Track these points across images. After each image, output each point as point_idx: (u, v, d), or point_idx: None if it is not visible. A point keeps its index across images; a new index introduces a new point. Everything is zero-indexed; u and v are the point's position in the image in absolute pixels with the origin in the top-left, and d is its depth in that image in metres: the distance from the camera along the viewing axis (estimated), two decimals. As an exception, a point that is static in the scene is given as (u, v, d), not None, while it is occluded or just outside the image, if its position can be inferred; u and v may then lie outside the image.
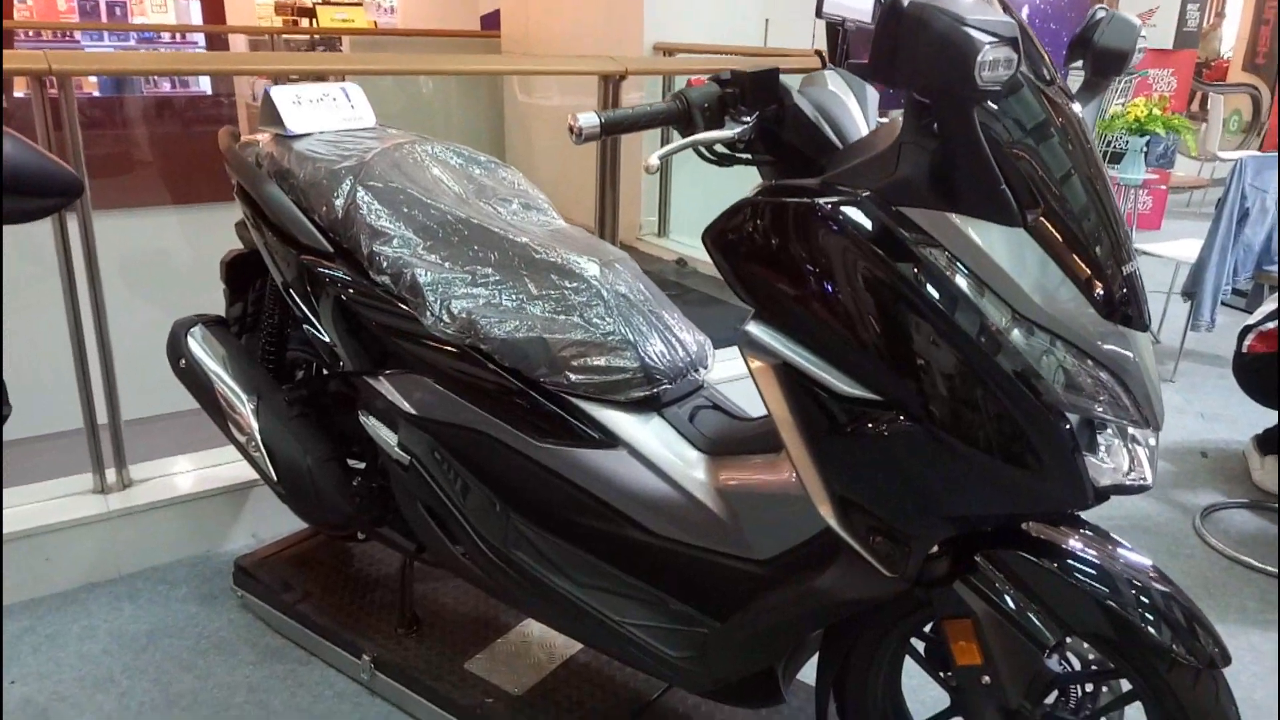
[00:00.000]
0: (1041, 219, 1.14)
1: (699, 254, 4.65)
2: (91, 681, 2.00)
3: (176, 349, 2.07)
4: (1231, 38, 10.28)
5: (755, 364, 1.25)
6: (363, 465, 1.98)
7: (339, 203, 1.74)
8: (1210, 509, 2.93)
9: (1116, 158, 5.29)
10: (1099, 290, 1.16)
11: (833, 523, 1.26)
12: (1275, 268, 4.07)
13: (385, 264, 1.68)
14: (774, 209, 1.19)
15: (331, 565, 2.28)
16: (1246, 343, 2.93)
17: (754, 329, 1.23)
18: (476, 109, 5.61)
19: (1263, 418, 3.63)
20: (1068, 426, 1.16)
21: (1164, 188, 5.88)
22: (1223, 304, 4.08)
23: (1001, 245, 1.13)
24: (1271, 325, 2.88)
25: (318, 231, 1.79)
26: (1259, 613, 2.40)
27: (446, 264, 1.68)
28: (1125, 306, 1.17)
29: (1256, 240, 4.03)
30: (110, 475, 2.41)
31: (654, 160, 1.20)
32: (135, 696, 1.96)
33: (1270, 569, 2.58)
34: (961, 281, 1.13)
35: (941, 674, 1.47)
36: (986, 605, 1.28)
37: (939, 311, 1.12)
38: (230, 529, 2.52)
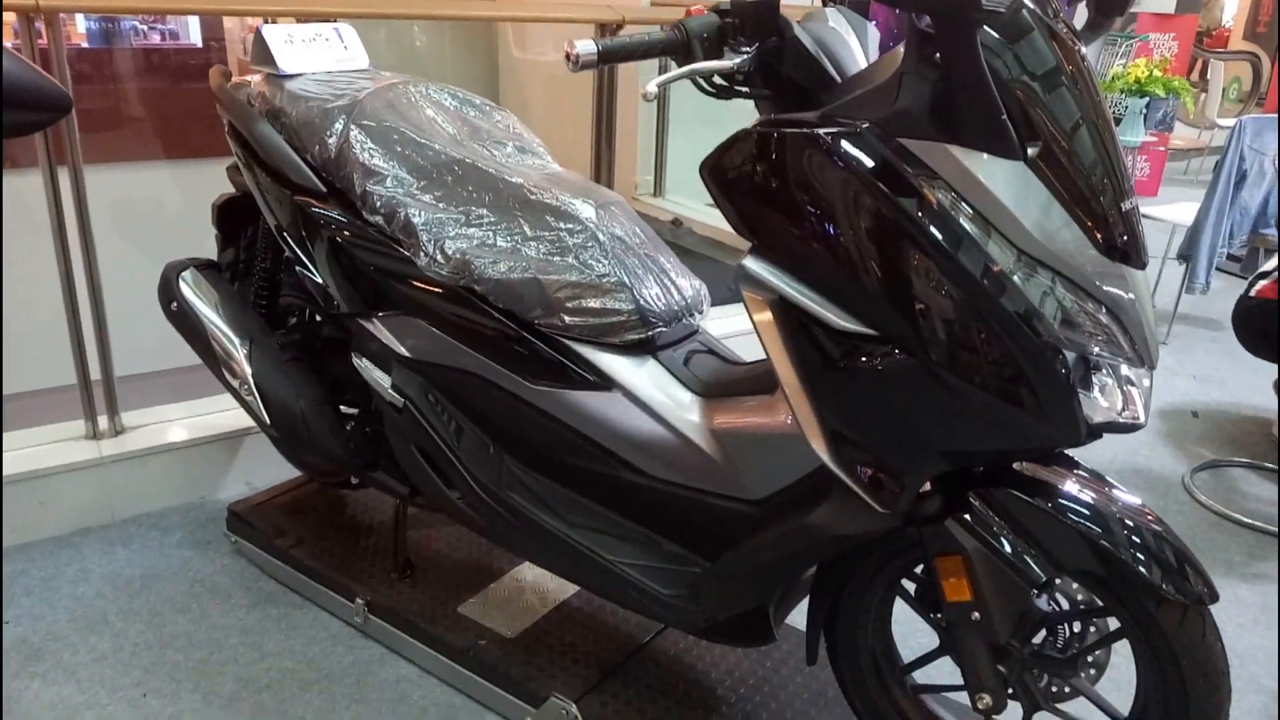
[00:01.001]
0: (1042, 153, 1.13)
1: (695, 214, 4.63)
2: (85, 623, 2.01)
3: (168, 291, 2.05)
4: (1233, 6, 10.20)
5: (752, 299, 1.24)
6: (355, 411, 1.97)
7: (332, 141, 1.72)
8: (1200, 467, 2.95)
9: (1115, 121, 5.26)
10: (1098, 227, 1.15)
11: (826, 458, 1.26)
12: (1273, 230, 4.07)
13: (378, 204, 1.67)
14: (772, 140, 1.18)
15: (325, 512, 2.28)
16: (1257, 288, 2.89)
17: (751, 263, 1.22)
18: (470, 65, 5.55)
19: (1252, 380, 3.65)
20: (1064, 363, 1.16)
21: (1163, 149, 5.85)
22: (1217, 269, 4.08)
23: (1003, 180, 1.12)
24: None
25: (310, 171, 1.77)
26: (1244, 565, 2.42)
27: (440, 204, 1.67)
28: (1124, 244, 1.17)
29: (1254, 203, 4.02)
30: (102, 422, 2.40)
31: (652, 87, 1.18)
32: (129, 637, 1.97)
33: (1260, 525, 2.60)
34: (966, 221, 1.12)
35: (931, 615, 1.48)
36: (978, 542, 1.29)
37: (941, 248, 1.12)
38: (224, 477, 2.52)
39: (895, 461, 1.23)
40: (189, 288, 2.04)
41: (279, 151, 1.79)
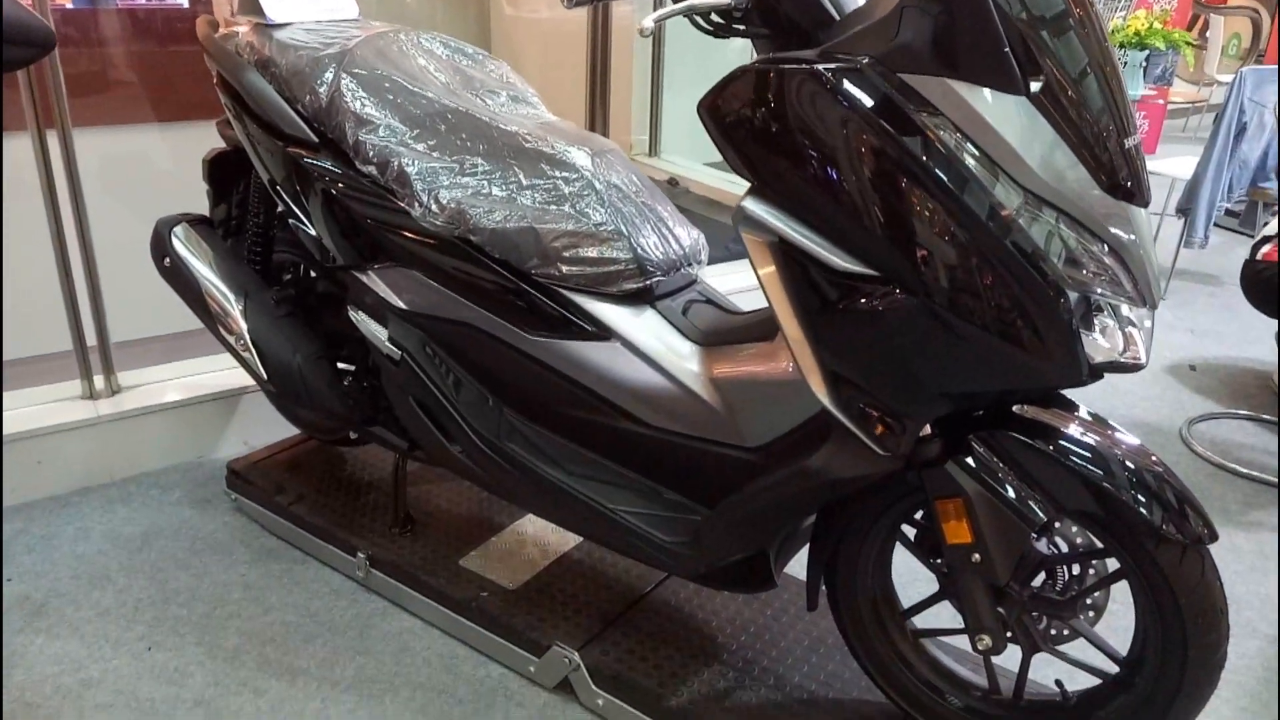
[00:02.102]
0: (1046, 91, 1.12)
1: (692, 174, 4.60)
2: (88, 579, 2.02)
3: (161, 247, 2.03)
4: (1234, -41, 10.06)
5: (751, 241, 1.23)
6: (353, 366, 1.96)
7: (323, 90, 1.69)
8: (1198, 419, 2.95)
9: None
10: (1103, 166, 1.14)
11: (826, 401, 1.26)
12: (1273, 184, 4.04)
13: (371, 153, 1.65)
14: (771, 77, 1.16)
15: (324, 469, 2.28)
16: (1262, 252, 2.90)
17: (750, 204, 1.21)
18: (462, 24, 5.47)
19: (1249, 334, 3.65)
20: (1067, 304, 1.15)
21: (1162, 103, 5.81)
22: (1215, 224, 4.06)
23: (1007, 117, 1.11)
24: None
25: (302, 121, 1.74)
26: (1241, 514, 2.44)
27: (434, 153, 1.65)
28: (1128, 182, 1.16)
29: (1253, 156, 4.00)
30: (99, 381, 2.39)
31: (648, 22, 1.16)
32: (132, 593, 1.98)
33: (1257, 475, 2.61)
34: (970, 160, 1.11)
35: (931, 560, 1.49)
36: (978, 485, 1.29)
37: (945, 187, 1.10)
38: (222, 436, 2.52)
39: (896, 404, 1.23)
40: (181, 243, 2.02)
41: (269, 101, 1.76)
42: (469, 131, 1.66)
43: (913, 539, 1.52)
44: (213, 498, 2.32)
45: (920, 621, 1.58)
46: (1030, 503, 1.28)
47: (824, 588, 1.56)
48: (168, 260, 2.03)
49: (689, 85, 4.78)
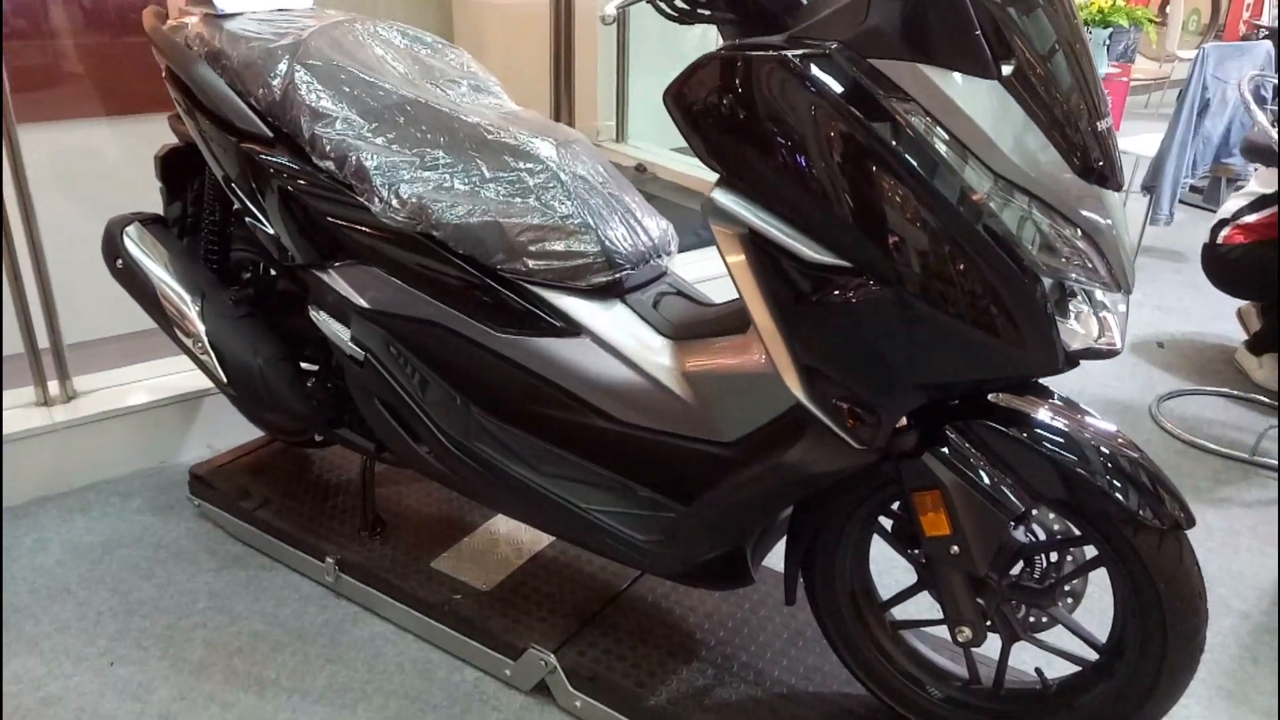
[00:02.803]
0: (1017, 74, 1.09)
1: (660, 159, 4.56)
2: (46, 592, 1.96)
3: (112, 249, 1.97)
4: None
5: (721, 233, 1.20)
6: (316, 367, 1.92)
7: (276, 83, 1.64)
8: (1166, 396, 2.97)
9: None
10: (1075, 149, 1.12)
11: (801, 396, 1.23)
12: (1236, 159, 4.08)
13: (328, 148, 1.60)
14: (739, 63, 1.13)
15: (290, 472, 2.23)
16: (1222, 235, 2.93)
17: (720, 196, 1.18)
18: (420, 11, 5.38)
19: (1215, 310, 3.68)
20: (1041, 291, 1.13)
21: (1125, 80, 5.84)
22: (1179, 200, 4.09)
23: (978, 102, 1.08)
24: (1253, 217, 2.88)
25: (255, 115, 1.69)
26: (1210, 491, 2.45)
27: (393, 146, 1.60)
28: (1100, 165, 1.14)
29: (1216, 132, 4.03)
30: (53, 387, 2.32)
31: (610, 9, 1.12)
32: (93, 606, 1.92)
33: (1225, 451, 2.63)
34: (941, 145, 1.08)
35: (909, 551, 1.47)
36: (955, 475, 1.27)
37: (915, 174, 1.08)
38: (183, 440, 2.46)
39: (871, 396, 1.21)
40: (134, 244, 1.96)
41: (221, 96, 1.70)
42: (429, 123, 1.61)
43: (890, 530, 1.50)
44: (175, 504, 2.26)
45: (899, 612, 1.57)
46: (1007, 492, 1.26)
47: (802, 581, 1.55)
48: (120, 261, 1.96)
49: (655, 69, 4.73)
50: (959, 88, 1.08)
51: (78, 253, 2.40)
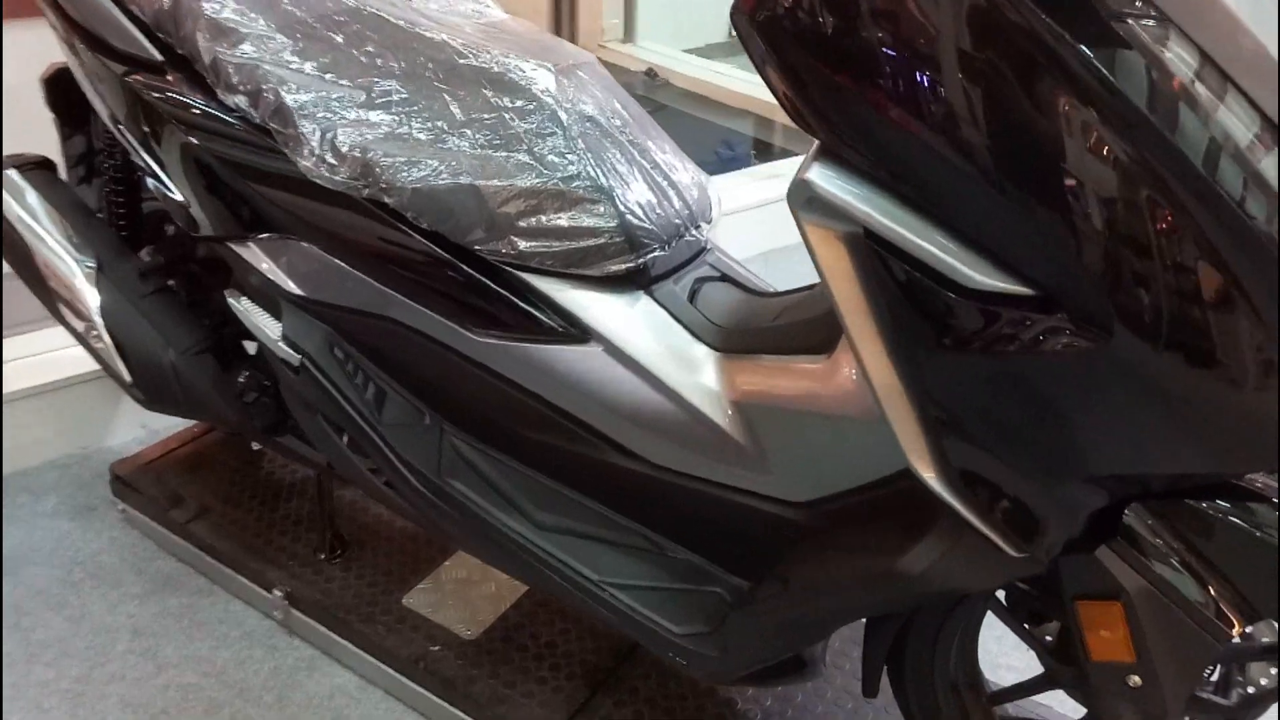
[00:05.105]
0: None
1: (673, 63, 4.03)
2: (-75, 633, 1.59)
3: (-21, 203, 1.53)
4: None
5: (816, 230, 0.76)
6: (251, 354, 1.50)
7: (161, -16, 1.17)
8: None
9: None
10: None
11: (930, 478, 0.82)
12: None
13: (235, 76, 1.14)
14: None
15: (234, 468, 1.83)
16: None
17: (820, 176, 0.74)
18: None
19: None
20: None
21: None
22: None
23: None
24: None
25: (139, 32, 1.23)
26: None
27: (328, 75, 1.15)
28: None
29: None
30: (-58, 360, 1.91)
31: None
32: (-16, 651, 1.55)
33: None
34: (1203, 90, 0.64)
35: (1031, 630, 1.09)
36: (1148, 584, 0.87)
37: (1171, 150, 0.64)
38: (112, 420, 2.05)
39: (1043, 490, 0.79)
40: (10, 195, 1.51)
41: (94, 7, 1.24)
42: (379, 41, 1.16)
43: (1005, 601, 1.11)
44: (98, 504, 1.87)
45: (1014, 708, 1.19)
46: (1223, 606, 0.86)
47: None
48: (-10, 219, 1.52)
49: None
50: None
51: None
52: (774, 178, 2.99)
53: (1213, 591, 0.87)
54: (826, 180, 0.73)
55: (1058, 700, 1.13)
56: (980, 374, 0.75)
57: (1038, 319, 0.71)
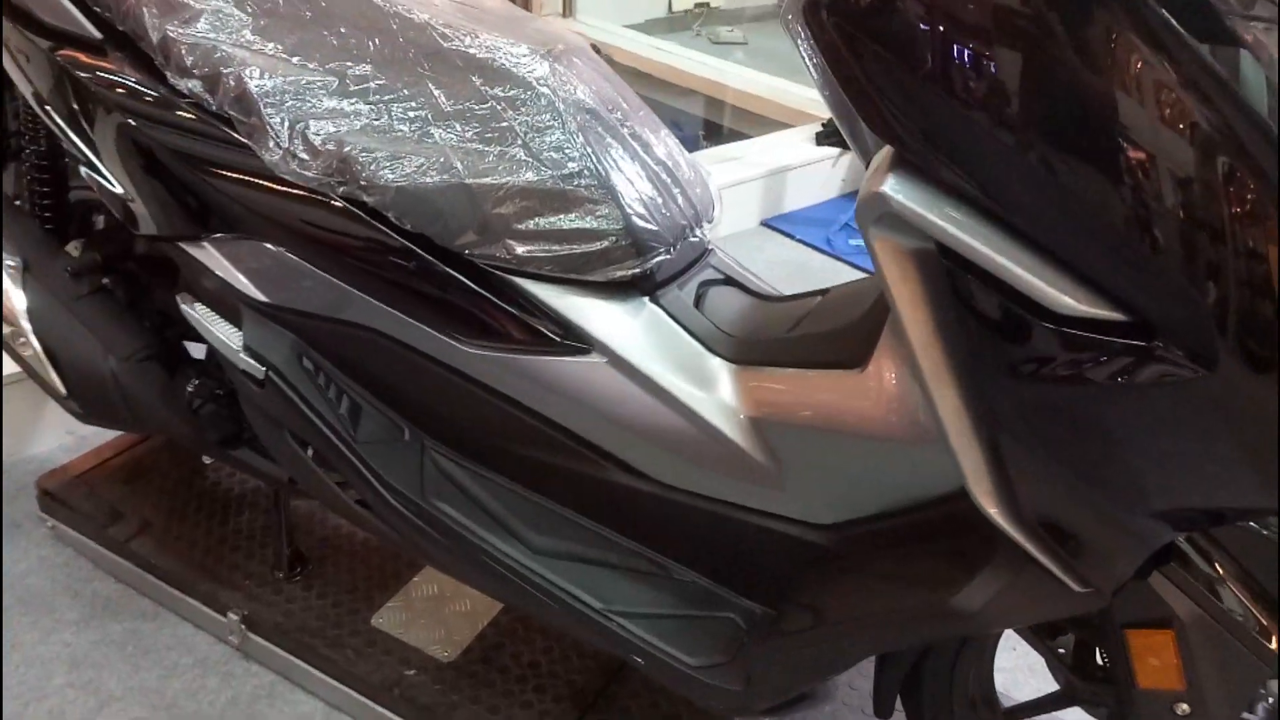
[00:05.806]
0: None
1: (615, 39, 3.93)
2: None
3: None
4: None
5: (886, 246, 0.69)
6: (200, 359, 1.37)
7: (100, -50, 1.04)
8: None
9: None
10: None
11: (996, 514, 0.76)
12: None
13: (189, 58, 1.02)
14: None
15: (178, 479, 1.69)
16: None
17: (894, 188, 0.66)
18: None
19: None
20: None
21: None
22: None
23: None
24: None
25: (76, 8, 1.09)
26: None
27: (295, 58, 1.03)
28: None
29: None
30: None
31: None
32: (-99, 692, 1.40)
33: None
34: None
35: (1053, 647, 1.05)
36: (1202, 611, 0.83)
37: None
38: (38, 424, 1.89)
39: (1116, 525, 0.74)
40: (-83, 186, 1.36)
41: (17, -31, 1.10)
42: (353, 22, 1.05)
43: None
44: (25, 520, 1.71)
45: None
46: (1270, 628, 0.83)
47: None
48: (-105, 212, 1.36)
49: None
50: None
51: None
52: (729, 160, 2.93)
53: (1260, 614, 0.84)
54: (902, 193, 0.66)
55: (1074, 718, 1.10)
56: (1060, 403, 0.69)
57: (1132, 346, 0.65)
